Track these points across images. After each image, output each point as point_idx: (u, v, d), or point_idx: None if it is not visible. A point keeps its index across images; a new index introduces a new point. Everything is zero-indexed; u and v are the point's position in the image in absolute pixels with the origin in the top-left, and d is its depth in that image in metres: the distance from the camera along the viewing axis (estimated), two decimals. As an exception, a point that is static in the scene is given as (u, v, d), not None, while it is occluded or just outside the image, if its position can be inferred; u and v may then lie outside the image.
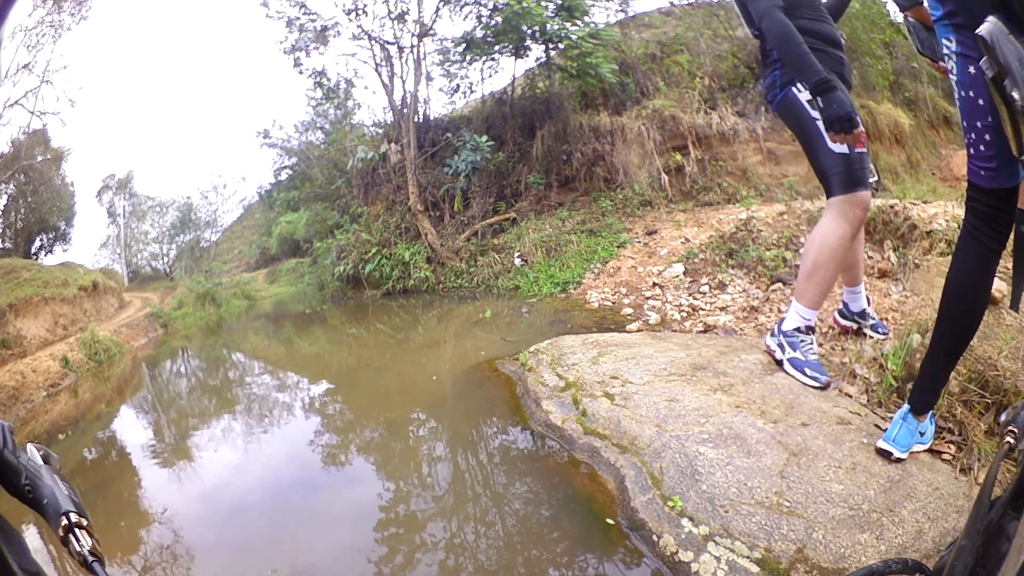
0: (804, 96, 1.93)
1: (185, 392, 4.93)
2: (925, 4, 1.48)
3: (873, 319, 2.38)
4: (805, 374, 2.02)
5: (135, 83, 50.95)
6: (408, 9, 8.77)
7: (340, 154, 11.73)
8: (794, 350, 2.08)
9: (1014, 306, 1.18)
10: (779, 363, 2.14)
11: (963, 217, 1.34)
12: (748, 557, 1.32)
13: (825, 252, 1.97)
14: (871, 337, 2.34)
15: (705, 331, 3.29)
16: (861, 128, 1.74)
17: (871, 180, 1.95)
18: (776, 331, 2.18)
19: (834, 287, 2.48)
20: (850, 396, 1.95)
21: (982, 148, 1.22)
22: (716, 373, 2.16)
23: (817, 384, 1.98)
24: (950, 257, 1.40)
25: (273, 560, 1.71)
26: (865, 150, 1.92)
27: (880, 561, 0.87)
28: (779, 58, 1.98)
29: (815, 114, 1.88)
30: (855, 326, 2.40)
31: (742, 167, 7.52)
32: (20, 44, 11.19)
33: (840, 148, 1.87)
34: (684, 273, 4.60)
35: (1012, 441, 0.75)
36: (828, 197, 1.99)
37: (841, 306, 2.43)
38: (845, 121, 1.70)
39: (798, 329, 2.08)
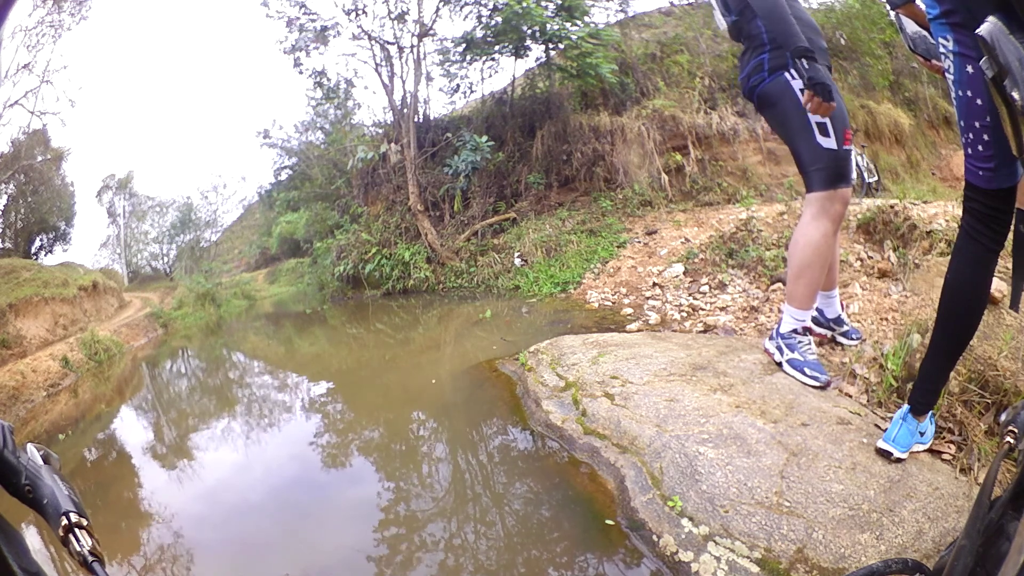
0: (798, 84, 1.84)
1: (185, 392, 4.93)
2: (918, 2, 1.47)
3: (847, 325, 2.33)
4: (805, 373, 2.02)
5: (135, 83, 51.18)
6: (408, 9, 8.79)
7: (340, 154, 11.73)
8: (792, 351, 2.09)
9: (1014, 306, 1.18)
10: (779, 365, 2.14)
11: (961, 217, 1.34)
12: (748, 557, 1.32)
13: (809, 251, 1.95)
14: (844, 345, 2.30)
15: (705, 331, 3.29)
16: (834, 105, 1.69)
17: (872, 180, 1.95)
18: (774, 334, 2.18)
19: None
20: (850, 396, 1.95)
21: (980, 148, 1.21)
22: (716, 373, 2.16)
23: (817, 383, 1.98)
24: (950, 257, 1.40)
25: (277, 561, 1.72)
26: (851, 147, 1.90)
27: (880, 561, 0.87)
28: (768, 38, 1.89)
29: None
30: (829, 334, 2.34)
31: (742, 167, 7.53)
32: (20, 44, 11.22)
33: (828, 143, 1.83)
34: (684, 273, 4.60)
35: (1012, 441, 0.75)
36: (808, 192, 1.94)
37: (816, 312, 2.29)
38: (826, 89, 1.65)
39: (795, 331, 2.09)
